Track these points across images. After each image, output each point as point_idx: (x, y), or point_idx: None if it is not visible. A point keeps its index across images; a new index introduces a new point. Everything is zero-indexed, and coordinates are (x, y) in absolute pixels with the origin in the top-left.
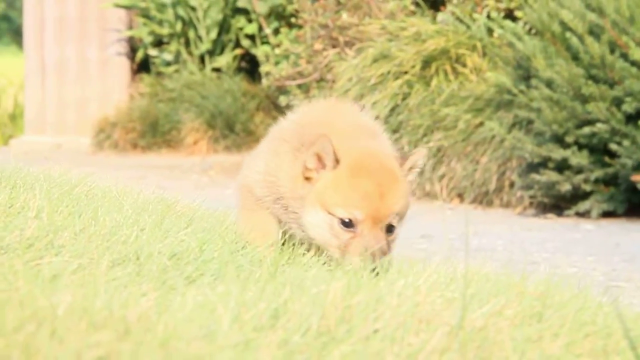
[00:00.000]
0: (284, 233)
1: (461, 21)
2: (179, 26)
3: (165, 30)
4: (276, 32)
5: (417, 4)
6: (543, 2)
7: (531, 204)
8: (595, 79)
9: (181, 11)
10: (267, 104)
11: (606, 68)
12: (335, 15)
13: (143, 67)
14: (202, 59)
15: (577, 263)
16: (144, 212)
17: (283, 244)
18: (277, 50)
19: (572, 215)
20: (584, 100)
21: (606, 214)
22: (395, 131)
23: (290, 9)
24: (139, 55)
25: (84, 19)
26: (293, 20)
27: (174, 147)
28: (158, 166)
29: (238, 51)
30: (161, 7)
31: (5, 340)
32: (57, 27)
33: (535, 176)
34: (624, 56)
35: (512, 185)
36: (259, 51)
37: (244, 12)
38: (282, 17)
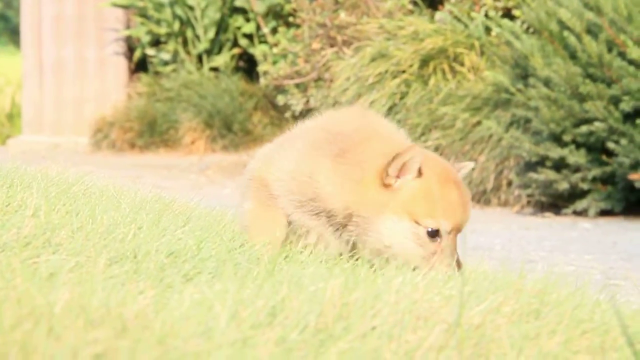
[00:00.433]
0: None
1: (459, 20)
2: (176, 25)
3: (162, 30)
4: (274, 31)
5: (415, 3)
6: (541, 1)
7: (529, 202)
8: (592, 78)
9: (179, 10)
10: (265, 104)
11: (604, 67)
12: (333, 15)
13: (141, 66)
14: (199, 58)
15: (575, 261)
16: (141, 211)
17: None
18: (275, 50)
19: (570, 214)
20: (582, 99)
21: (604, 213)
22: None
23: (288, 8)
24: (137, 54)
25: (81, 18)
26: (291, 19)
27: (172, 146)
28: (155, 166)
29: (236, 50)
30: (159, 7)
31: (2, 338)
32: (54, 27)
33: (532, 175)
34: (622, 55)
35: (509, 183)
36: (257, 50)
37: (242, 11)
38: (280, 17)
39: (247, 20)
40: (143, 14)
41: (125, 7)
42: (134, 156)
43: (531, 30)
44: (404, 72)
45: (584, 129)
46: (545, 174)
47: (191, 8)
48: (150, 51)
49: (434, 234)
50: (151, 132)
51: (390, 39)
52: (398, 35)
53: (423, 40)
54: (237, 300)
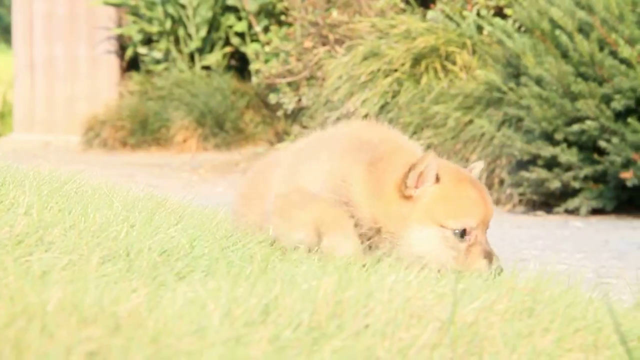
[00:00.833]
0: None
1: (451, 19)
2: (168, 24)
3: (154, 28)
4: (266, 30)
5: (407, 2)
6: (532, 0)
7: (520, 201)
8: (584, 77)
9: (171, 9)
10: (257, 102)
11: (595, 66)
12: (325, 13)
13: (132, 65)
14: (191, 57)
15: (567, 260)
16: (134, 209)
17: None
18: (267, 48)
19: (562, 213)
20: (574, 97)
21: (595, 211)
22: None
23: (280, 6)
24: (129, 53)
25: (73, 17)
26: (283, 18)
27: (164, 145)
28: (147, 164)
29: (228, 49)
30: (151, 5)
31: None
32: (46, 25)
33: (524, 173)
34: (613, 54)
35: (501, 182)
36: (249, 49)
37: (234, 10)
38: (272, 15)
39: (239, 18)
40: (135, 13)
41: (117, 5)
42: (125, 155)
43: (523, 29)
44: (396, 70)
45: (575, 127)
46: (537, 173)
47: (183, 6)
48: (142, 50)
49: (461, 234)
50: (143, 130)
51: (382, 37)
52: (390, 33)
53: (415, 39)
54: (230, 299)
